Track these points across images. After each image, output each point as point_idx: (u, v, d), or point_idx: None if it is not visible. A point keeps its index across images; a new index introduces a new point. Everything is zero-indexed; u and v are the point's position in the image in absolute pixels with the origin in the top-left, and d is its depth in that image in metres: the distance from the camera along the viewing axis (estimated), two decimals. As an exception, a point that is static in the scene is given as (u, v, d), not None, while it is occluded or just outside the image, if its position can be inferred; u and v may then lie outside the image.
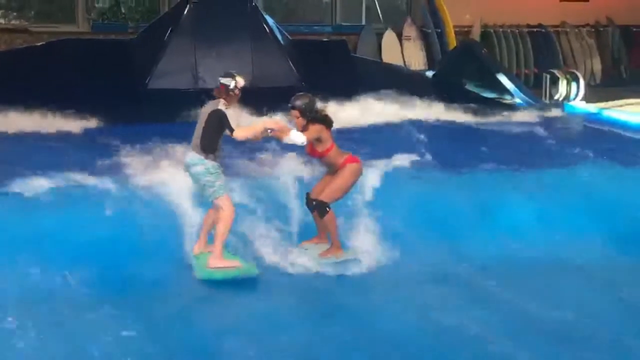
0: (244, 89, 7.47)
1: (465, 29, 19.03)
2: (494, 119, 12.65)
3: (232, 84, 7.37)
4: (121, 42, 14.43)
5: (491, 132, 11.81)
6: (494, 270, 7.93)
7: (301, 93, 7.94)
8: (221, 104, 7.34)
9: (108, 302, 6.83)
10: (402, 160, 9.58)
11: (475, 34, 18.98)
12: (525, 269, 8.02)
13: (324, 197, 7.82)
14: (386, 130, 11.42)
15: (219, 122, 7.30)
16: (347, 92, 12.84)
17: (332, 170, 7.94)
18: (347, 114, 12.25)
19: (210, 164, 7.35)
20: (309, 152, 7.93)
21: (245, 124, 8.04)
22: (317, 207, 7.87)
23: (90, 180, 8.29)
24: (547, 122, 12.80)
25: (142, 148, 9.44)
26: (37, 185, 8.03)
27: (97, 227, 7.70)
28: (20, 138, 10.52)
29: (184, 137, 8.26)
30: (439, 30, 18.56)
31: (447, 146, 10.46)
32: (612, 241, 8.56)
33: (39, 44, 14.20)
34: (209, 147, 7.35)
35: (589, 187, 9.31)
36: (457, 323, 6.66)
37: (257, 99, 11.27)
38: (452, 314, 6.86)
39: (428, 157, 9.86)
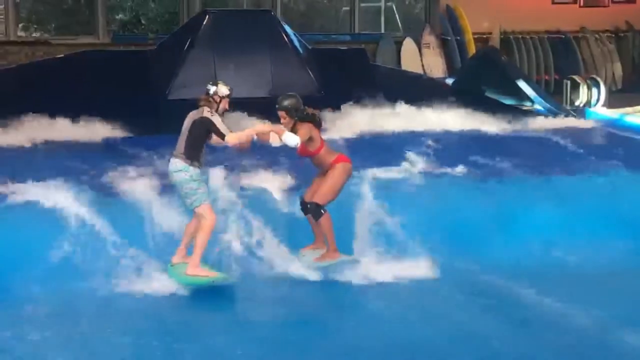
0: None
1: (485, 36, 18.96)
2: (514, 126, 12.59)
3: (212, 90, 7.39)
4: (141, 53, 14.47)
5: (512, 139, 11.76)
6: (521, 277, 7.89)
7: (287, 94, 7.91)
8: (206, 111, 7.34)
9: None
10: (423, 168, 9.59)
11: (495, 41, 18.91)
12: (555, 275, 7.98)
13: (317, 199, 7.78)
14: (406, 138, 11.38)
15: (205, 129, 7.31)
16: (366, 100, 12.83)
17: (323, 170, 7.88)
18: (366, 121, 12.25)
19: (193, 171, 7.34)
20: (300, 152, 7.86)
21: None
22: (311, 210, 7.81)
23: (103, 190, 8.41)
24: (568, 129, 12.72)
25: (159, 158, 9.45)
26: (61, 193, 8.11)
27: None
28: (41, 147, 10.58)
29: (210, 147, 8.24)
30: (458, 38, 18.53)
31: (468, 153, 10.41)
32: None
33: (59, 56, 14.27)
34: (192, 155, 7.34)
35: (613, 194, 9.29)
36: (483, 330, 6.63)
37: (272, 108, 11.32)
38: (479, 321, 6.83)
39: (449, 164, 9.83)
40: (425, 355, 6.31)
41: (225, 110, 7.56)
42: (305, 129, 7.68)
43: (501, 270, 8.08)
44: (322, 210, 7.79)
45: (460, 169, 9.71)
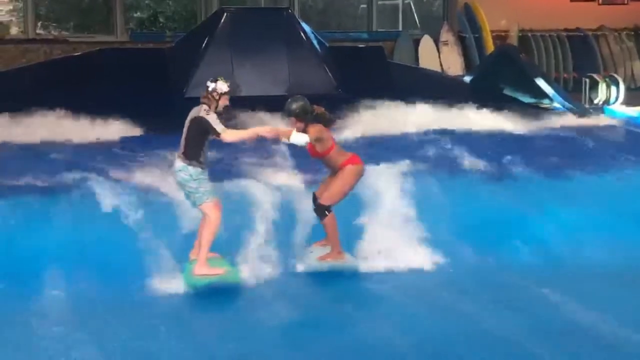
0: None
1: (503, 34, 18.91)
2: (533, 124, 12.52)
3: (210, 87, 7.39)
4: (158, 51, 14.50)
5: (531, 138, 11.70)
6: (541, 276, 7.86)
7: (293, 98, 7.81)
8: (202, 110, 7.34)
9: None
10: (441, 166, 9.58)
11: (513, 39, 18.84)
12: (574, 274, 7.95)
13: (323, 200, 7.75)
14: (423, 136, 11.35)
15: (201, 128, 7.32)
16: (384, 98, 12.79)
17: (334, 169, 7.83)
18: (383, 120, 12.21)
19: (193, 170, 7.36)
20: (311, 153, 7.83)
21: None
22: (317, 210, 7.78)
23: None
24: (586, 127, 12.65)
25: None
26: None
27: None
28: (58, 145, 10.63)
29: (217, 146, 8.26)
30: (476, 35, 18.48)
31: (487, 152, 10.37)
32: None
33: (77, 54, 14.32)
34: (192, 154, 7.37)
35: (633, 192, 9.21)
36: (501, 328, 6.62)
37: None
38: (496, 319, 6.81)
39: (466, 162, 9.81)
40: (439, 350, 6.30)
41: (226, 107, 7.52)
42: (315, 129, 7.61)
43: (517, 268, 8.06)
44: (327, 211, 7.74)
45: (477, 167, 9.69)
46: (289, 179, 8.89)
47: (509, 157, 10.09)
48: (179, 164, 7.42)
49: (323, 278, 7.77)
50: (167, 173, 8.80)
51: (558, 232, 8.66)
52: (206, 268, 7.45)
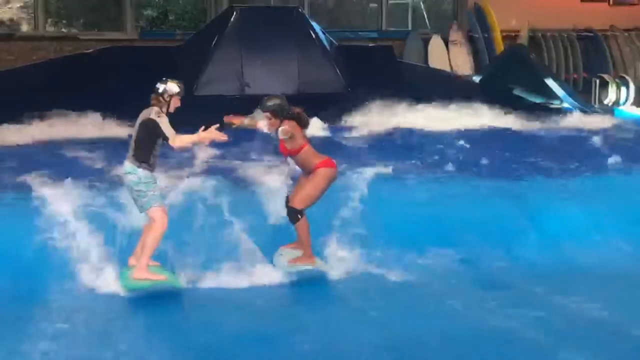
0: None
1: (513, 34, 18.87)
2: (542, 125, 12.50)
3: (161, 89, 7.19)
4: (168, 49, 14.52)
5: (540, 138, 11.68)
6: (545, 275, 7.85)
7: (271, 95, 7.79)
8: (154, 113, 7.14)
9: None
10: (449, 166, 9.56)
11: (523, 39, 18.81)
12: (579, 275, 7.93)
13: (295, 203, 7.60)
14: (432, 136, 11.34)
15: (151, 131, 7.11)
16: (393, 97, 12.79)
17: (306, 171, 7.71)
18: (392, 120, 12.21)
19: (142, 173, 7.12)
20: (281, 150, 7.74)
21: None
22: (289, 214, 7.66)
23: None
24: (596, 127, 12.62)
25: (186, 153, 9.45)
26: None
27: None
28: (65, 143, 10.65)
29: (227, 144, 8.25)
30: (486, 35, 18.46)
31: (495, 152, 10.36)
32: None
33: (87, 51, 14.36)
34: (142, 156, 7.13)
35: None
36: (512, 327, 6.63)
37: (303, 106, 11.29)
38: (505, 317, 6.81)
39: (476, 163, 9.80)
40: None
41: (177, 108, 7.31)
42: (288, 126, 7.53)
43: (525, 268, 8.04)
44: (299, 215, 7.61)
45: (484, 166, 9.67)
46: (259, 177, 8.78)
47: (515, 157, 10.07)
48: (128, 166, 7.17)
49: (294, 282, 7.66)
50: (175, 169, 8.84)
51: (567, 231, 8.61)
52: (146, 273, 7.20)
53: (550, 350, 6.22)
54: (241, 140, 9.76)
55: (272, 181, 8.52)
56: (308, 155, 7.63)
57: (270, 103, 7.57)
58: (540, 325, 6.66)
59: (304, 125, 7.70)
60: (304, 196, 7.60)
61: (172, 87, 7.22)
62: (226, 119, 7.91)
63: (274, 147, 8.12)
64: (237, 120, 7.93)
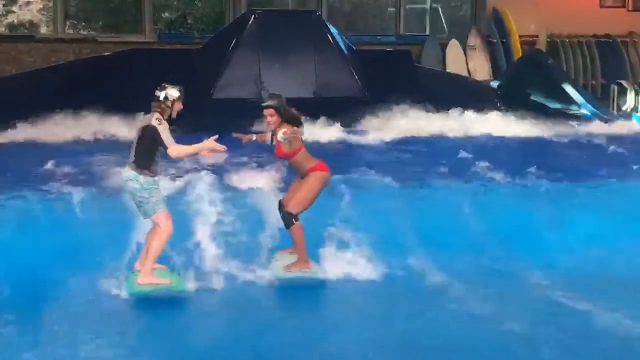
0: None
1: (531, 39, 18.82)
2: (561, 131, 12.47)
3: (162, 96, 7.16)
4: (187, 52, 14.57)
5: (558, 144, 11.66)
6: (562, 281, 7.81)
7: (272, 94, 7.85)
8: (155, 119, 7.10)
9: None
10: (468, 171, 9.55)
11: (542, 44, 18.76)
12: (596, 281, 7.89)
13: (290, 208, 7.56)
14: (450, 141, 11.34)
15: (151, 138, 7.08)
16: (411, 102, 12.80)
17: (300, 174, 7.70)
18: (409, 124, 12.21)
19: (144, 180, 7.07)
20: (277, 153, 7.72)
21: (308, 133, 8.02)
22: (284, 219, 7.63)
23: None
24: (614, 134, 12.59)
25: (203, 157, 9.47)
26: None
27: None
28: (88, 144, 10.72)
29: (244, 146, 8.27)
30: (504, 41, 18.42)
31: (512, 158, 10.35)
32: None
33: (106, 54, 14.42)
34: (143, 163, 7.09)
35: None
36: (526, 333, 6.60)
37: (320, 110, 11.32)
38: (519, 323, 6.78)
39: (493, 169, 9.77)
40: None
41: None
42: (292, 130, 7.49)
43: (542, 274, 8.01)
44: (294, 220, 7.56)
45: (504, 173, 9.64)
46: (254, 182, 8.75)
47: (533, 163, 10.04)
48: (129, 173, 7.12)
49: (289, 287, 7.59)
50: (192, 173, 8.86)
51: (586, 238, 8.57)
52: (151, 278, 7.20)
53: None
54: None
55: (267, 184, 8.56)
56: (303, 159, 7.63)
57: (272, 101, 7.57)
58: (556, 332, 6.64)
59: (299, 126, 7.64)
60: (300, 200, 7.57)
61: (173, 92, 7.20)
62: (235, 135, 7.94)
63: (269, 149, 8.06)
64: (246, 138, 7.96)
